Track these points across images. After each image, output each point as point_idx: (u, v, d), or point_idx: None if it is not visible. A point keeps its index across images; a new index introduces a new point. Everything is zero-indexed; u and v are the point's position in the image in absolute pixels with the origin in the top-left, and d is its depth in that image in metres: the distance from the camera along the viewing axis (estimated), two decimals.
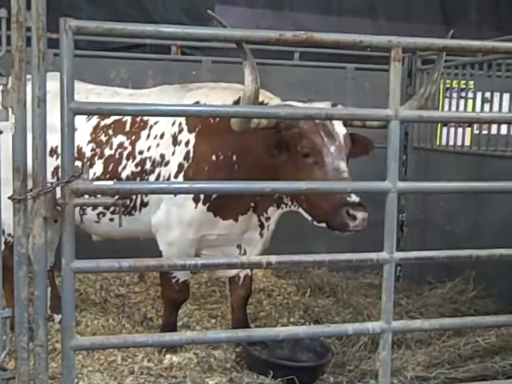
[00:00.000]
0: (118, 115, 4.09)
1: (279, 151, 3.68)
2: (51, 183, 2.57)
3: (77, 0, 7.37)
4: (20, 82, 2.49)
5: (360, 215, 3.38)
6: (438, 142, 6.18)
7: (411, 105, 3.58)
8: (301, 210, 3.93)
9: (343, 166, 3.57)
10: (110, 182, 2.66)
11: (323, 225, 3.68)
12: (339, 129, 3.68)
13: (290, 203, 4.06)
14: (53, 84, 2.63)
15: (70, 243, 2.58)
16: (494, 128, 5.39)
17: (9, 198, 2.54)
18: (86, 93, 4.30)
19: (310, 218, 3.84)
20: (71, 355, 2.65)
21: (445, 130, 6.01)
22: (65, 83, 2.50)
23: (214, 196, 3.95)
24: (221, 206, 3.99)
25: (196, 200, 3.97)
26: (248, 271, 4.47)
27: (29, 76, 2.51)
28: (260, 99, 3.87)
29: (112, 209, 4.17)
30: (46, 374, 2.66)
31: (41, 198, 2.54)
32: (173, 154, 4.05)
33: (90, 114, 3.79)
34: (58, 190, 2.55)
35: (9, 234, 4.27)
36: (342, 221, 3.43)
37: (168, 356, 4.11)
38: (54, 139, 2.91)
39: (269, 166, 3.79)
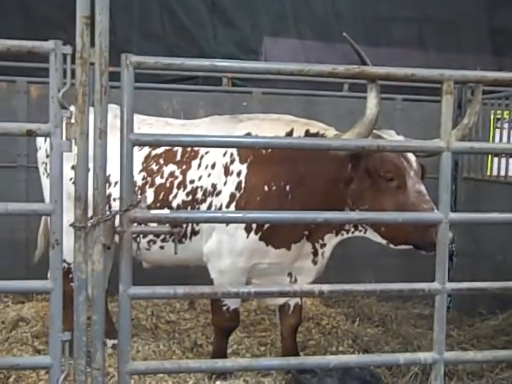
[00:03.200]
0: (176, 146, 4.18)
1: (360, 177, 3.77)
2: (110, 211, 2.67)
3: (129, 34, 7.58)
4: (83, 115, 2.57)
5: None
6: (488, 172, 6.14)
7: (455, 134, 3.61)
8: (369, 235, 3.98)
9: (424, 189, 3.68)
10: (167, 211, 2.75)
11: (403, 247, 3.79)
12: (411, 155, 3.78)
13: (353, 229, 4.09)
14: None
15: (128, 270, 2.67)
16: None
17: (70, 225, 2.64)
18: (138, 123, 4.33)
19: (384, 242, 3.90)
20: (127, 379, 2.72)
21: (496, 160, 5.96)
22: (125, 115, 2.61)
23: (267, 225, 4.00)
24: (273, 235, 4.03)
25: (248, 229, 4.02)
26: (298, 300, 4.48)
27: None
28: (315, 130, 3.99)
29: (162, 237, 4.23)
30: None
31: (100, 225, 2.62)
32: (225, 184, 4.12)
33: (148, 144, 3.90)
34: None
35: (64, 261, 4.40)
36: (432, 240, 3.46)
37: (218, 383, 4.17)
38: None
39: (332, 194, 3.86)
